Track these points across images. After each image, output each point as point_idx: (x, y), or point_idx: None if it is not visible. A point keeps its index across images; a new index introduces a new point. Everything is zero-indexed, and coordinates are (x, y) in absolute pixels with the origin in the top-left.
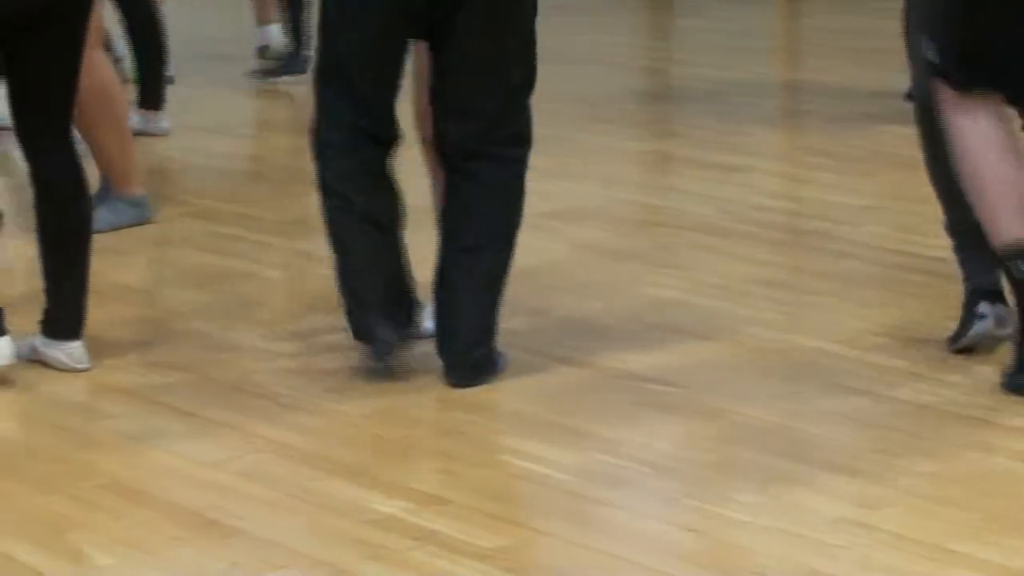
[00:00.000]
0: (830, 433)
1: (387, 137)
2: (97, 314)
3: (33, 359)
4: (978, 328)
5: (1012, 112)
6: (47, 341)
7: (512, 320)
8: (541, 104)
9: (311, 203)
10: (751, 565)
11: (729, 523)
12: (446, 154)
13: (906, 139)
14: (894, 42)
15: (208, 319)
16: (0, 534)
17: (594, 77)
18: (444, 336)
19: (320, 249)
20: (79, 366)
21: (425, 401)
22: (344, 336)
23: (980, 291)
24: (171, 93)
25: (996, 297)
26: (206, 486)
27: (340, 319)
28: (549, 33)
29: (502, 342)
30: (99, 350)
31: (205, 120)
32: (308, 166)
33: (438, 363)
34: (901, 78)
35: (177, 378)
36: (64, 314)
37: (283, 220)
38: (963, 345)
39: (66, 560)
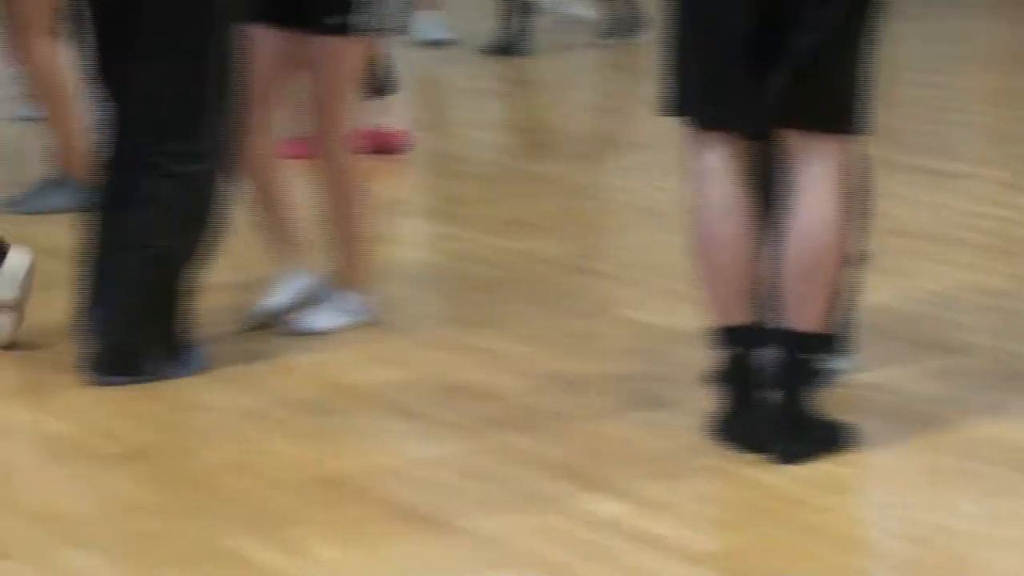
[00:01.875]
0: None
1: None
2: None
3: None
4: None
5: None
6: None
7: None
8: None
9: (531, 204)
10: (971, 575)
11: (950, 533)
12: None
13: None
14: None
15: (427, 316)
16: (226, 528)
17: None
18: None
19: (543, 249)
20: None
21: (643, 403)
22: (565, 336)
23: None
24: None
25: None
26: (430, 484)
27: (564, 319)
28: None
29: None
30: (330, 347)
31: (418, 117)
32: (523, 165)
33: (658, 369)
34: None
35: (403, 376)
36: None
37: (503, 220)
38: None
39: (289, 553)
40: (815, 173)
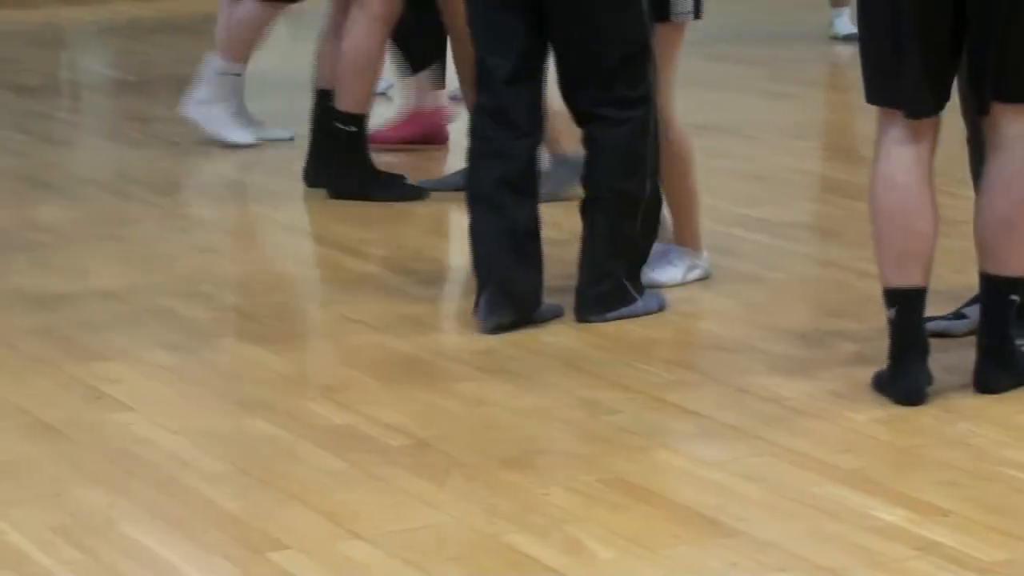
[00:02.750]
0: None
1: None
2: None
3: None
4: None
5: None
6: None
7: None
8: None
9: (821, 208)
10: None
11: None
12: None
13: None
14: None
15: (712, 319)
16: (502, 524)
17: None
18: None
19: (835, 254)
20: None
21: (932, 411)
22: (853, 342)
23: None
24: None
25: None
26: (708, 486)
27: (850, 325)
28: None
29: None
30: (618, 346)
31: (716, 120)
32: (812, 168)
33: (943, 374)
34: None
35: (681, 376)
36: None
37: (790, 223)
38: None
39: (566, 552)
40: (1014, 137)
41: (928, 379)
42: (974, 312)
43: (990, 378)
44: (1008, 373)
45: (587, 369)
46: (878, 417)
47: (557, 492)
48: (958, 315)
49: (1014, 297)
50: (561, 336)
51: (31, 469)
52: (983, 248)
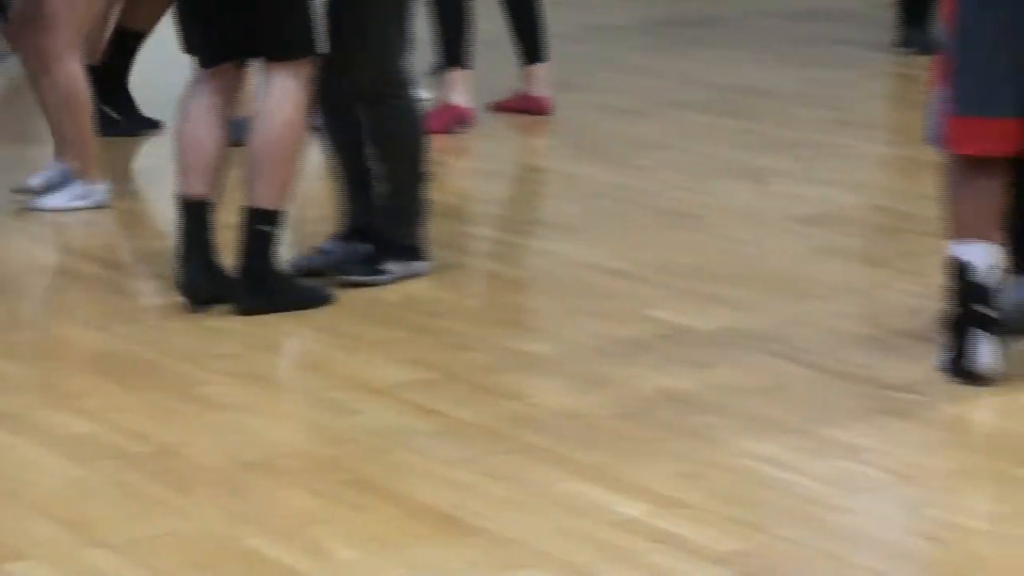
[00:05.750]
0: None
1: None
2: (364, 317)
3: None
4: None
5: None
6: None
7: (761, 322)
8: (792, 108)
9: (557, 204)
10: (991, 575)
11: (969, 532)
12: None
13: None
14: None
15: (450, 316)
16: (245, 527)
17: (844, 81)
18: None
19: (571, 251)
20: None
21: (667, 403)
22: (591, 336)
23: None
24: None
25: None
26: (449, 484)
27: (600, 321)
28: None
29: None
30: (361, 348)
31: None
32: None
33: (682, 370)
34: None
35: (429, 376)
36: None
37: (532, 220)
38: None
39: (308, 554)
40: (274, 86)
41: (204, 280)
42: (335, 247)
43: (241, 299)
44: (261, 298)
45: (328, 369)
46: (615, 411)
47: (299, 494)
48: (320, 251)
49: (263, 227)
50: (301, 338)
51: None
52: (243, 180)
